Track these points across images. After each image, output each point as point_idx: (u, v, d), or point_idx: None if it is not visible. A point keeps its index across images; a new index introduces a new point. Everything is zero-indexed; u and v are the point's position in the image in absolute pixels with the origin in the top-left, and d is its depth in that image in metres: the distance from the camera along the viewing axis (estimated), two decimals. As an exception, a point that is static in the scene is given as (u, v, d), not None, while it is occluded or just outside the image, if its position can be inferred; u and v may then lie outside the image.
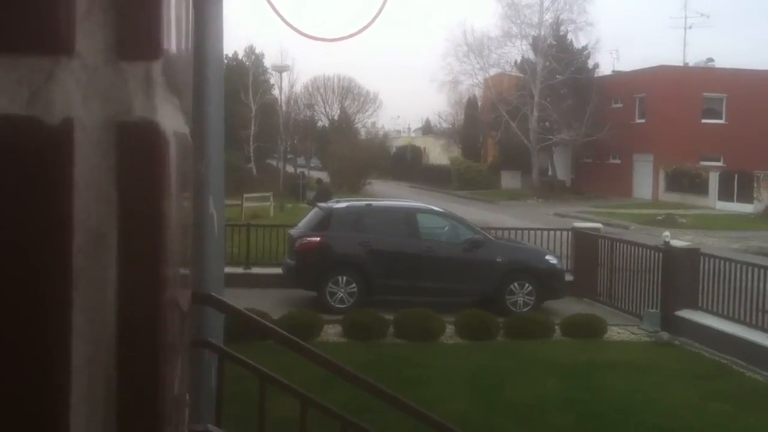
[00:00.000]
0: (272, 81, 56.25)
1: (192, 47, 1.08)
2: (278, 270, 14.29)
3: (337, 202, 15.26)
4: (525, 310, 12.96)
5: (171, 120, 0.45)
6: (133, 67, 0.37)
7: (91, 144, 0.36)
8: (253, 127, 49.78)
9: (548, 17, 49.52)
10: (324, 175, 45.99)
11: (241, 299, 11.45)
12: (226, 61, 55.75)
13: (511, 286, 13.31)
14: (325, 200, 20.91)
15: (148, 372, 0.39)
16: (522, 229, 16.70)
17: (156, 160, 0.39)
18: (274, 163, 52.28)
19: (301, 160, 56.01)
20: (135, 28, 0.38)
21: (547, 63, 47.60)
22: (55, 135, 0.34)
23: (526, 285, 13.33)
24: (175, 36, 0.52)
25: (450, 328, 11.27)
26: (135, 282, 0.38)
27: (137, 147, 0.38)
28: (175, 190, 0.44)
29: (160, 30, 0.39)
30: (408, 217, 13.89)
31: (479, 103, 57.38)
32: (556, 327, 11.51)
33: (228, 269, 13.69)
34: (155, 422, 0.39)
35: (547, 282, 13.43)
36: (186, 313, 0.55)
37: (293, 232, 14.05)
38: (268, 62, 55.07)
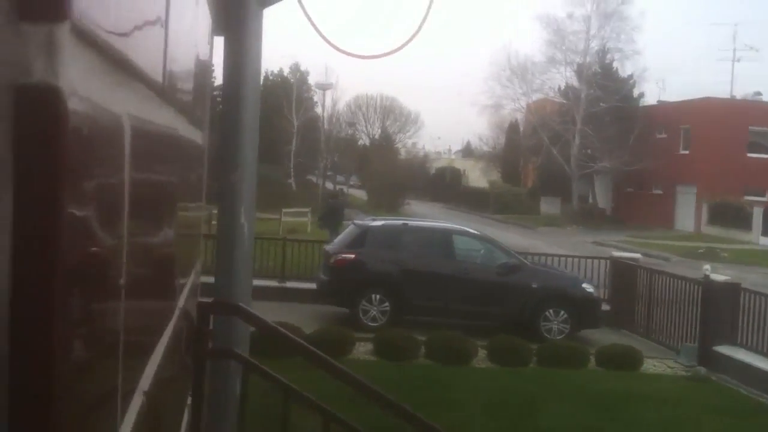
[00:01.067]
0: (315, 98, 56.77)
1: (165, 35, 1.06)
2: (312, 285, 14.27)
3: (374, 220, 15.23)
4: (559, 337, 12.75)
5: (94, 90, 0.41)
6: (35, 28, 0.33)
7: None
8: (294, 143, 50.25)
9: (594, 44, 49.35)
10: (349, 190, 45.99)
11: (275, 312, 11.44)
12: (271, 78, 56.63)
13: (546, 313, 13.13)
14: (332, 223, 20.44)
15: (43, 343, 0.35)
16: (559, 256, 16.50)
17: (54, 126, 0.35)
18: (313, 179, 52.57)
19: (340, 178, 56.24)
20: None
21: (591, 90, 47.35)
22: None
23: (562, 312, 13.14)
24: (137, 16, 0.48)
25: (482, 352, 11.12)
26: (30, 250, 0.34)
27: (35, 111, 0.34)
28: (88, 160, 0.40)
29: None
30: (444, 238, 13.80)
31: (521, 128, 57.22)
32: (591, 356, 11.30)
33: (263, 282, 13.91)
34: (49, 401, 0.35)
35: (583, 310, 13.22)
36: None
37: (329, 248, 14.06)
38: (312, 79, 55.63)
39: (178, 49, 0.83)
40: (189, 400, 1.35)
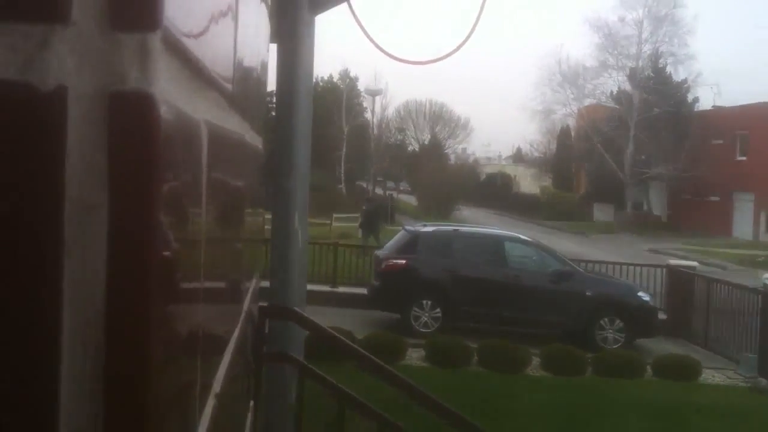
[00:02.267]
0: (365, 104, 57.03)
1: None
2: (364, 290, 14.32)
3: (424, 225, 15.21)
4: (615, 346, 12.55)
5: (179, 96, 0.42)
6: (129, 37, 0.34)
7: (84, 113, 0.34)
8: (344, 149, 50.54)
9: (647, 49, 48.60)
10: (398, 196, 45.94)
11: (326, 317, 11.48)
12: (321, 84, 57.10)
13: (601, 322, 12.93)
14: (371, 227, 20.35)
15: (138, 347, 0.35)
16: (614, 264, 16.23)
17: (148, 132, 0.35)
18: (363, 184, 52.77)
19: (390, 183, 56.35)
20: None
21: (645, 95, 46.61)
22: (47, 102, 0.32)
23: (617, 321, 12.93)
24: (211, 25, 0.49)
25: (536, 361, 11.00)
26: (125, 254, 0.35)
27: (129, 118, 0.34)
28: (175, 166, 0.40)
29: (157, 1, 0.36)
30: (495, 244, 13.70)
31: (572, 134, 56.60)
32: (647, 366, 11.08)
33: (315, 287, 13.98)
34: (143, 397, 0.35)
35: (638, 319, 12.99)
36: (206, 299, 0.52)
37: (379, 253, 14.08)
38: (361, 85, 55.93)
39: (244, 57, 0.84)
40: (251, 404, 1.37)
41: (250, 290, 1.18)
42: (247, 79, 0.93)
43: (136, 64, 0.35)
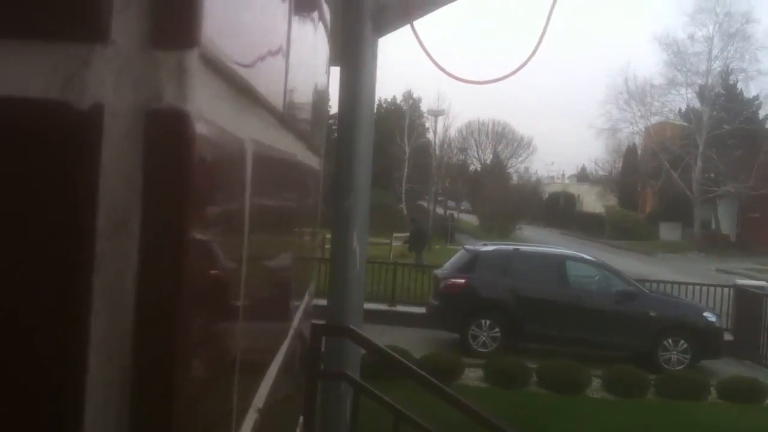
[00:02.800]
0: (427, 124, 57.07)
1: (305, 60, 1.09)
2: (422, 309, 14.27)
3: (485, 245, 15.10)
4: (679, 368, 12.22)
5: (220, 114, 0.43)
6: (166, 55, 0.35)
7: (120, 130, 0.35)
8: (406, 169, 50.66)
9: (717, 65, 47.59)
10: (459, 215, 45.65)
11: (385, 336, 11.49)
12: (384, 105, 57.39)
13: (665, 342, 12.63)
14: (419, 246, 20.37)
15: (164, 361, 0.36)
16: (679, 283, 15.86)
17: (182, 149, 0.36)
18: (424, 204, 52.67)
19: (451, 203, 56.14)
20: (170, 18, 0.36)
21: (714, 112, 45.59)
22: (84, 120, 0.34)
23: (681, 342, 12.61)
24: (255, 38, 0.51)
25: (597, 382, 10.78)
26: (155, 270, 0.36)
27: (164, 135, 0.36)
28: (213, 183, 0.41)
29: (195, 20, 0.37)
30: (557, 263, 13.51)
31: (639, 152, 55.62)
32: (713, 388, 10.75)
33: (373, 306, 14.01)
34: (169, 415, 0.36)
35: (704, 340, 12.64)
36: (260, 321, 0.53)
37: (439, 272, 14.03)
38: (424, 106, 56.00)
39: (298, 77, 0.86)
40: (301, 420, 1.37)
41: (301, 308, 1.19)
42: (302, 98, 0.94)
43: (173, 81, 0.37)
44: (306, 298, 1.30)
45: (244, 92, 0.50)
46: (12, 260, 0.34)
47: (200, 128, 0.39)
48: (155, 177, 0.36)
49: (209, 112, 0.41)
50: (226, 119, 0.46)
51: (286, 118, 0.75)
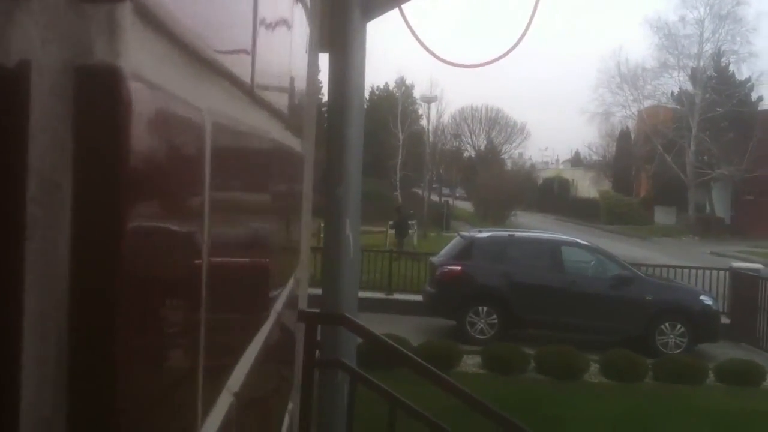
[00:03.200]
0: (420, 111, 57.07)
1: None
2: (419, 297, 14.29)
3: (480, 231, 15.10)
4: (676, 352, 12.25)
5: (166, 78, 0.40)
6: (95, 8, 0.33)
7: (48, 87, 0.33)
8: (400, 157, 50.66)
9: (708, 48, 47.62)
10: (454, 202, 45.71)
11: (382, 325, 11.49)
12: (377, 92, 57.34)
13: (662, 327, 12.65)
14: (400, 234, 20.53)
15: (102, 331, 0.34)
16: (675, 267, 15.90)
17: (114, 106, 0.34)
18: (419, 191, 52.71)
19: (446, 190, 56.17)
20: None
21: (707, 95, 45.64)
22: (10, 77, 0.31)
23: (678, 326, 12.63)
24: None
25: (594, 367, 10.80)
26: (88, 235, 0.33)
27: (95, 92, 0.33)
28: (154, 145, 0.39)
29: None
30: (552, 249, 13.52)
31: (632, 136, 55.71)
32: (710, 372, 10.79)
33: (371, 294, 14.02)
34: (110, 385, 0.34)
35: (700, 323, 12.67)
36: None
37: (435, 260, 14.03)
38: (417, 93, 55.96)
39: (270, 52, 0.83)
40: (290, 406, 1.36)
41: (285, 294, 1.17)
42: (276, 75, 0.92)
43: (103, 36, 0.34)
44: (290, 284, 1.27)
45: (199, 59, 0.48)
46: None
47: (137, 87, 0.36)
48: (87, 137, 0.34)
49: (153, 73, 0.39)
50: (176, 84, 0.43)
51: (256, 92, 0.72)
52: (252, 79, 0.70)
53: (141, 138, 0.37)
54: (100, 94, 0.34)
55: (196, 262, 0.50)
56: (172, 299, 0.45)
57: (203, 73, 0.51)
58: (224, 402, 0.62)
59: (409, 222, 21.52)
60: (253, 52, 0.71)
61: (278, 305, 1.06)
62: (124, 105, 0.35)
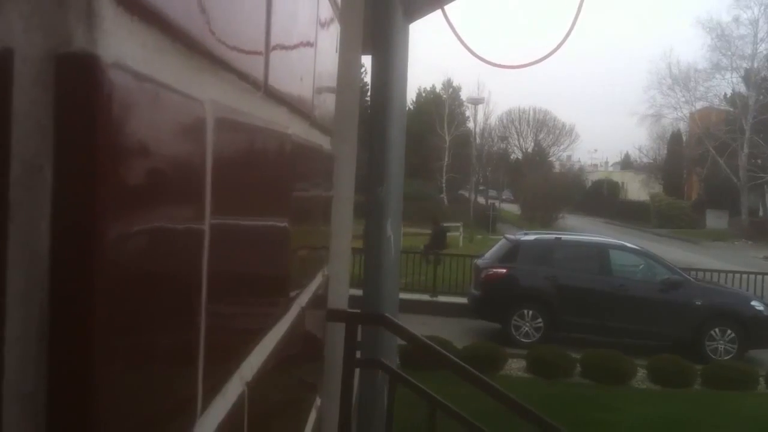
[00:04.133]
0: (467, 113, 56.86)
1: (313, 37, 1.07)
2: (464, 299, 14.23)
3: (526, 234, 14.98)
4: (726, 358, 12.00)
5: (154, 67, 0.42)
6: None
7: (31, 75, 0.34)
8: (446, 159, 50.53)
9: (762, 49, 46.55)
10: (501, 204, 45.36)
11: (426, 326, 11.50)
12: (424, 94, 57.28)
13: (711, 332, 12.40)
14: (435, 247, 19.66)
15: (80, 311, 0.35)
16: (726, 272, 15.57)
17: (92, 93, 0.35)
18: (465, 194, 52.51)
19: (492, 192, 55.86)
20: None
21: (761, 96, 44.59)
22: None
23: (728, 331, 12.36)
24: None
25: (641, 372, 10.63)
26: (68, 217, 0.35)
27: (75, 79, 0.35)
28: (140, 134, 0.40)
29: None
30: (600, 252, 13.34)
31: (684, 138, 54.75)
32: (760, 378, 10.53)
33: (415, 296, 14.01)
34: (87, 362, 0.35)
35: (751, 329, 12.38)
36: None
37: (480, 262, 13.96)
38: (464, 95, 55.76)
39: (288, 47, 0.84)
40: (318, 402, 1.37)
41: (310, 289, 1.18)
42: (298, 71, 0.93)
43: (82, 25, 0.35)
44: (318, 280, 1.29)
45: (201, 50, 0.49)
46: None
47: (117, 75, 0.37)
48: (67, 123, 0.35)
49: (138, 62, 0.40)
50: (169, 75, 0.44)
51: (271, 87, 0.73)
52: (266, 74, 0.71)
53: (123, 124, 0.38)
54: (79, 81, 0.35)
55: (194, 249, 0.51)
56: (162, 285, 0.46)
57: (206, 67, 0.52)
58: (235, 389, 0.63)
59: (447, 234, 20.73)
60: (267, 47, 0.71)
61: (302, 300, 1.07)
62: (102, 92, 0.36)
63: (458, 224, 30.97)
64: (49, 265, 0.35)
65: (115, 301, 0.38)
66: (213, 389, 0.56)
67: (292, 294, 0.97)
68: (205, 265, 0.52)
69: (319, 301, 1.29)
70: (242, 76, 0.61)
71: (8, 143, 0.33)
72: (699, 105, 50.93)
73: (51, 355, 0.35)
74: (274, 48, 0.73)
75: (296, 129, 0.93)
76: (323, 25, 1.16)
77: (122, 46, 0.38)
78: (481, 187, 53.28)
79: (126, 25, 0.39)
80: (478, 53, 5.52)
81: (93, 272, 0.36)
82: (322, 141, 1.25)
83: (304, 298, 1.07)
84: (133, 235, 0.40)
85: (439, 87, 58.93)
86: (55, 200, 0.35)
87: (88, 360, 0.36)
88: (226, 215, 0.58)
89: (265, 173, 0.76)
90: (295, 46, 0.88)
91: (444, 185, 50.49)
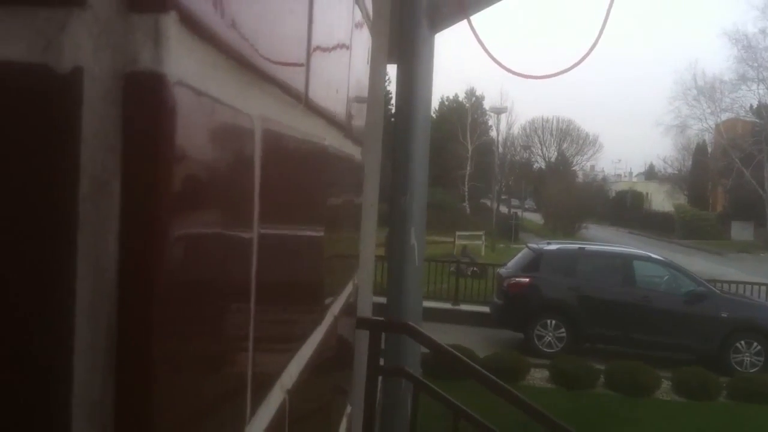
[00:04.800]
0: (490, 122, 56.80)
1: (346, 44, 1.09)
2: (486, 308, 14.19)
3: (548, 243, 14.90)
4: (752, 371, 11.85)
5: (211, 84, 0.44)
6: (141, 18, 0.36)
7: (99, 93, 0.36)
8: (468, 167, 50.48)
9: (790, 59, 46.00)
10: (523, 214, 45.16)
11: (448, 335, 11.46)
12: (446, 103, 57.29)
13: (737, 344, 12.25)
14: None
15: (146, 323, 0.37)
16: (752, 284, 15.39)
17: (159, 110, 0.37)
18: (487, 202, 52.40)
19: (515, 201, 55.69)
20: None
21: (788, 107, 44.11)
22: (65, 83, 0.35)
23: (754, 344, 12.21)
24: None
25: (666, 384, 10.53)
26: (135, 231, 0.36)
27: (142, 97, 0.36)
28: (202, 149, 0.42)
29: None
30: (623, 263, 13.24)
31: (709, 149, 54.29)
32: (788, 393, 10.39)
33: (437, 304, 13.98)
34: (151, 371, 0.37)
35: (778, 342, 12.22)
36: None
37: (502, 271, 13.90)
38: (487, 104, 55.71)
39: (326, 61, 0.86)
40: (348, 410, 1.39)
41: (342, 298, 1.20)
42: (334, 83, 0.94)
43: (149, 45, 0.37)
44: (349, 289, 1.30)
45: (250, 67, 0.50)
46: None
47: (181, 92, 0.39)
48: (134, 139, 0.37)
49: (198, 80, 0.41)
50: (224, 91, 0.46)
51: (311, 100, 0.75)
52: (306, 87, 0.72)
53: (185, 139, 0.40)
54: (146, 99, 0.37)
55: (245, 264, 0.52)
56: (219, 299, 0.47)
57: (254, 81, 0.53)
58: (276, 398, 0.64)
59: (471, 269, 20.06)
60: (307, 61, 0.73)
61: (335, 309, 1.08)
62: (168, 109, 0.38)
63: (480, 233, 30.89)
64: (117, 277, 0.36)
65: (178, 313, 0.39)
66: (259, 397, 0.58)
67: (327, 302, 0.98)
68: (253, 274, 0.53)
69: (350, 309, 1.30)
70: (286, 90, 0.63)
71: (78, 160, 0.35)
72: (724, 116, 50.58)
73: (118, 365, 0.36)
74: (314, 61, 0.75)
75: (332, 140, 0.94)
76: (357, 36, 1.17)
77: (184, 64, 0.39)
78: (503, 197, 53.14)
79: (187, 44, 0.40)
80: (503, 63, 5.52)
81: (158, 284, 0.37)
82: (354, 151, 1.27)
83: (336, 306, 1.09)
84: (194, 248, 0.42)
85: (462, 96, 58.96)
86: (122, 215, 0.36)
87: (153, 369, 0.37)
88: (271, 226, 0.59)
89: (305, 184, 0.77)
90: (332, 59, 0.90)
91: (466, 194, 50.42)
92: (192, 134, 0.40)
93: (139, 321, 0.37)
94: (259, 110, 0.53)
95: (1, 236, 0.34)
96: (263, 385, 0.58)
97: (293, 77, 0.64)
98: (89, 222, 0.35)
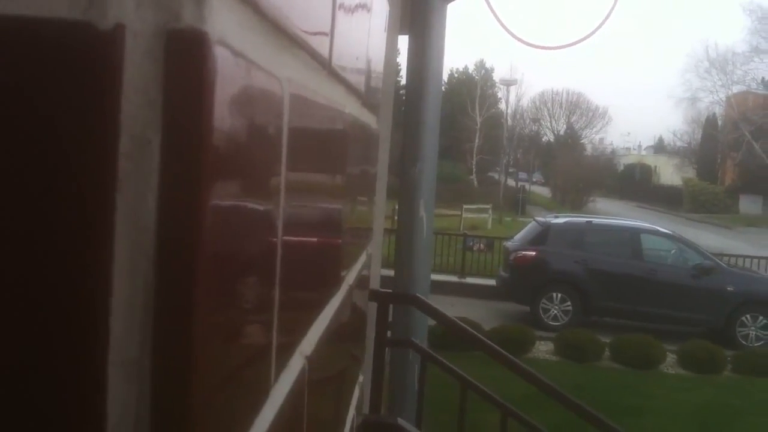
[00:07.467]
0: (499, 95, 56.50)
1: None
2: (492, 281, 14.22)
3: (556, 217, 14.89)
4: (757, 344, 11.88)
5: (248, 45, 0.43)
6: None
7: (141, 50, 0.36)
8: (477, 140, 50.30)
9: (804, 31, 45.54)
10: (531, 187, 45.04)
11: (454, 308, 11.52)
12: (456, 75, 56.94)
13: (743, 318, 12.28)
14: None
15: (184, 282, 0.37)
16: (759, 258, 15.38)
17: (200, 68, 0.37)
18: (495, 176, 52.28)
19: (522, 174, 55.56)
20: None
21: (800, 80, 43.74)
22: (108, 40, 0.35)
23: (760, 318, 12.23)
24: None
25: (671, 357, 10.57)
26: (174, 190, 0.36)
27: (183, 54, 0.37)
28: (239, 111, 0.42)
29: None
30: (631, 236, 13.23)
31: (719, 122, 53.94)
32: (794, 366, 10.42)
33: (443, 277, 14.02)
34: (188, 331, 0.37)
35: (784, 316, 12.25)
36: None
37: (509, 244, 13.92)
38: (497, 76, 55.37)
39: (349, 27, 0.85)
40: (361, 379, 1.40)
41: (356, 267, 1.20)
42: (354, 52, 0.94)
43: (192, 2, 0.37)
44: (362, 258, 1.30)
45: (280, 29, 0.50)
46: (35, 180, 0.35)
47: (221, 52, 0.39)
48: (175, 97, 0.37)
49: (236, 40, 0.41)
50: (258, 52, 0.46)
51: (333, 66, 0.74)
52: (330, 53, 0.72)
53: (224, 99, 0.40)
54: (188, 57, 0.37)
55: (272, 228, 0.53)
56: (249, 262, 0.47)
57: (283, 44, 0.53)
58: (297, 363, 0.65)
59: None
60: (332, 26, 0.73)
61: (350, 278, 1.09)
62: (209, 68, 0.37)
63: (487, 206, 30.88)
64: (155, 236, 0.36)
65: (214, 275, 0.40)
66: (282, 363, 0.58)
67: (343, 272, 0.99)
68: (279, 239, 0.54)
69: (363, 279, 1.31)
70: (313, 55, 0.62)
71: (118, 117, 0.35)
72: (736, 89, 50.17)
73: (155, 323, 0.37)
74: (338, 26, 0.74)
75: (351, 108, 0.94)
76: (377, 4, 1.16)
77: (224, 23, 0.39)
78: (511, 169, 52.99)
79: (227, 3, 0.40)
80: (515, 33, 5.48)
81: (197, 243, 0.37)
82: (371, 120, 1.26)
83: (351, 276, 1.09)
84: (230, 210, 0.42)
85: (471, 68, 58.61)
86: (162, 173, 0.36)
87: (191, 328, 0.37)
88: (296, 192, 0.59)
89: (327, 151, 0.77)
90: (353, 26, 0.89)
91: (474, 167, 50.30)
92: (230, 94, 0.40)
93: (178, 281, 0.37)
94: (287, 73, 0.53)
95: (41, 193, 0.34)
96: (286, 350, 0.59)
97: (319, 42, 0.64)
98: (129, 181, 0.35)
